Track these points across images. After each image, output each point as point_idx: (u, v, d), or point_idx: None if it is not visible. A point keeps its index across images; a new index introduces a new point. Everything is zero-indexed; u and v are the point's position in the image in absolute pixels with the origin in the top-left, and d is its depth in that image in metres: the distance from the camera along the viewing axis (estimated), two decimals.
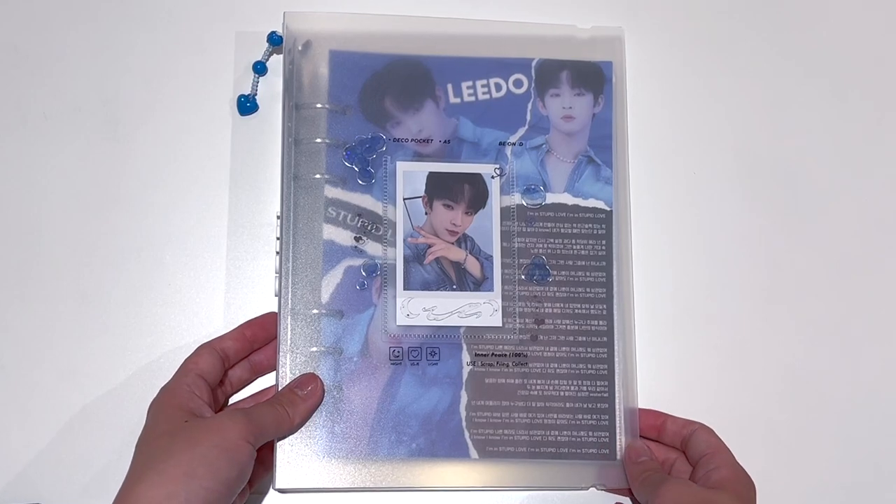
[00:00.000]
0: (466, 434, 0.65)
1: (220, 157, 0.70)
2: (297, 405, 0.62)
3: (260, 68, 0.70)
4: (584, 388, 0.66)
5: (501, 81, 0.69)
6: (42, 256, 0.68)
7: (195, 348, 0.62)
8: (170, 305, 0.68)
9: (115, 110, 0.70)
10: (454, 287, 0.66)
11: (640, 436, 0.66)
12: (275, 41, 0.70)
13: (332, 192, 0.66)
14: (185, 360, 0.62)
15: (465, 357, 0.66)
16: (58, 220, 0.68)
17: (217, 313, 0.68)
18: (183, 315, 0.68)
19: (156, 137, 0.70)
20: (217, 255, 0.68)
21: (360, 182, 0.67)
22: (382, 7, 0.71)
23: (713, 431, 0.64)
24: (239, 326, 0.65)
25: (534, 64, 0.70)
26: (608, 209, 0.68)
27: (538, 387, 0.66)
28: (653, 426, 0.66)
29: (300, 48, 0.68)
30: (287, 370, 0.63)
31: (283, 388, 0.63)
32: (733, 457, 0.62)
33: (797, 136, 0.74)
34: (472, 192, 0.68)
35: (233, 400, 0.66)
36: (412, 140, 0.68)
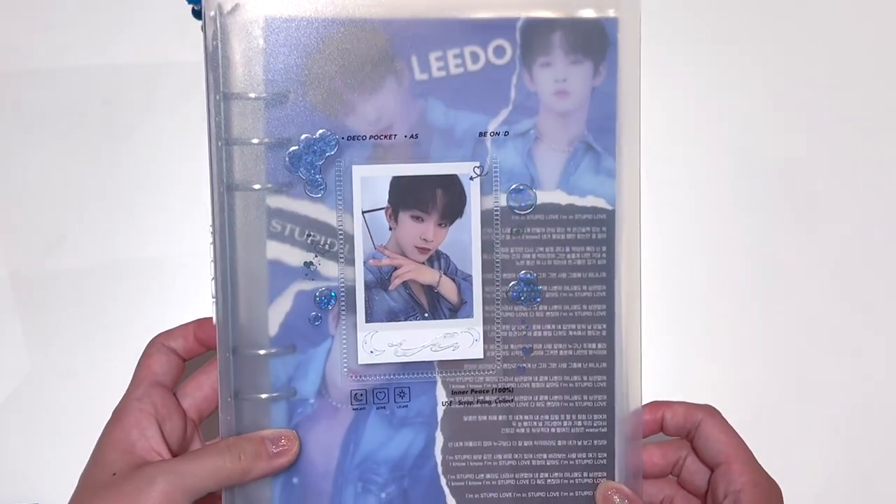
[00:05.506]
0: (443, 480, 0.57)
1: None
2: (260, 460, 0.53)
3: (198, 14, 0.56)
4: (579, 424, 0.57)
5: (479, 50, 0.56)
6: (41, 257, 0.68)
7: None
8: (170, 305, 0.68)
9: (115, 110, 0.69)
10: (426, 315, 0.56)
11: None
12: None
13: (276, 200, 0.55)
14: (138, 363, 0.56)
15: (441, 395, 0.57)
16: (56, 220, 0.68)
17: None
18: (183, 315, 0.63)
19: (156, 137, 0.69)
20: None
21: (309, 194, 0.55)
22: None
23: (721, 420, 0.56)
24: (189, 324, 0.57)
25: (518, 25, 0.56)
26: (610, 208, 0.57)
27: (525, 423, 0.57)
28: (651, 421, 0.58)
29: (227, 12, 0.54)
30: (232, 419, 0.55)
31: (255, 434, 0.54)
32: (752, 458, 0.55)
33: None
34: (446, 199, 0.56)
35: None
36: (370, 137, 0.55)
